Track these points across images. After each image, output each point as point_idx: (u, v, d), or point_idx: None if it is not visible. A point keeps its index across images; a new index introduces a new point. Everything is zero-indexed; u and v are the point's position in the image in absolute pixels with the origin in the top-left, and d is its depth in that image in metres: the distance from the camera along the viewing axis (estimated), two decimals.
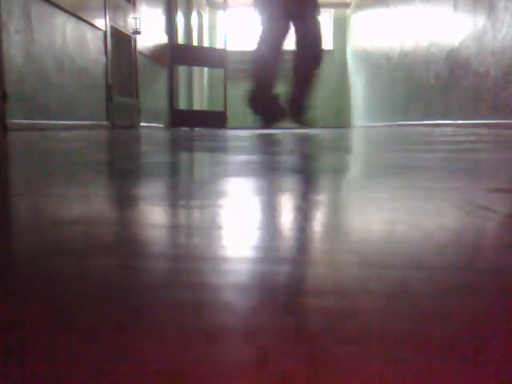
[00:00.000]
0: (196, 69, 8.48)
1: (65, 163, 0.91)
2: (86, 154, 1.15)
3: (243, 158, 1.05)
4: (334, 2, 9.53)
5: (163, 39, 6.69)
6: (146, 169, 0.82)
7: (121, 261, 0.29)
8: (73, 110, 3.85)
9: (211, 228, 0.38)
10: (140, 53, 5.70)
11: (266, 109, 3.92)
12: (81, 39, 4.02)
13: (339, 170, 0.79)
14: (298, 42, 3.89)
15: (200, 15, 9.05)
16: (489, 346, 0.18)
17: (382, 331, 0.19)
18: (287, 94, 4.05)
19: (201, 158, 1.07)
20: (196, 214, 0.43)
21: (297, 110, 3.95)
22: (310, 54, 3.84)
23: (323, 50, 4.00)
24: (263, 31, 3.82)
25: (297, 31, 3.83)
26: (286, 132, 3.43)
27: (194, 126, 6.33)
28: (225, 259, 0.29)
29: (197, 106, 8.54)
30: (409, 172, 0.76)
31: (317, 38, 3.84)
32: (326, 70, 9.82)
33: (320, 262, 0.29)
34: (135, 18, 5.49)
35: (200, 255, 0.30)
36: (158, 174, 0.75)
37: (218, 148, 1.48)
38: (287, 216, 0.42)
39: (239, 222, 0.40)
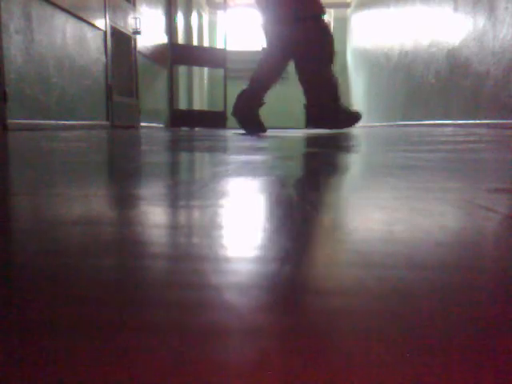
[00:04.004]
0: (196, 69, 8.48)
1: (65, 163, 0.91)
2: (86, 154, 1.15)
3: (243, 157, 1.05)
4: (334, 2, 9.53)
5: (163, 39, 6.70)
6: (147, 169, 0.82)
7: (121, 261, 0.29)
8: (73, 109, 3.85)
9: (211, 228, 0.38)
10: (140, 53, 5.70)
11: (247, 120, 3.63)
12: (81, 39, 4.02)
13: (339, 170, 0.79)
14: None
15: (200, 15, 9.06)
16: (488, 345, 0.18)
17: (381, 331, 0.19)
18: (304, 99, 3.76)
19: (201, 158, 1.07)
20: (196, 213, 0.43)
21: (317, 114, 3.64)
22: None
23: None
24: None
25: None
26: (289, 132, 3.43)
27: (194, 125, 6.33)
28: (225, 259, 0.29)
29: (197, 106, 8.54)
30: (409, 172, 0.76)
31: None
32: None
33: (320, 261, 0.29)
34: (135, 18, 5.50)
35: (200, 255, 0.30)
36: (158, 173, 0.75)
37: (218, 148, 1.48)
38: (286, 215, 0.42)
39: (238, 221, 0.40)
